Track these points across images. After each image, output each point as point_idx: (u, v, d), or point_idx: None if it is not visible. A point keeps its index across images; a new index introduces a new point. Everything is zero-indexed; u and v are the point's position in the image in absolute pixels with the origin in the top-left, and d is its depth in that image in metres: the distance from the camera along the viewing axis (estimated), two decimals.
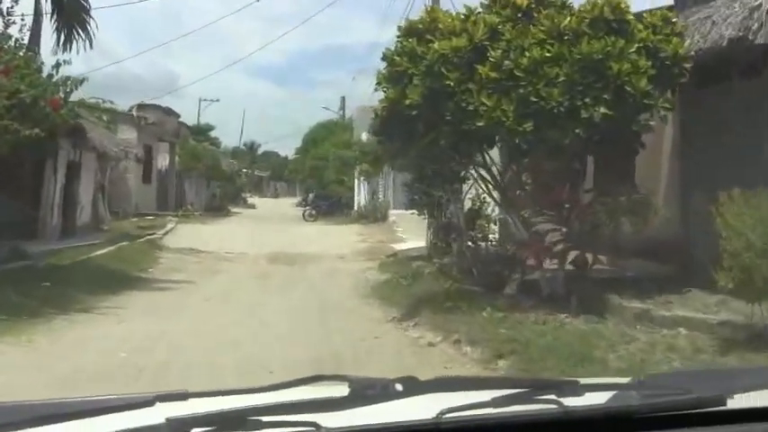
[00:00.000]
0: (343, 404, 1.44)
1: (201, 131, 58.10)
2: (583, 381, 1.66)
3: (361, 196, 32.33)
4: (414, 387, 1.52)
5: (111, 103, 29.33)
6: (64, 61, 11.89)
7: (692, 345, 6.99)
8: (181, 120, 34.04)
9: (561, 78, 7.87)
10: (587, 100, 7.82)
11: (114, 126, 27.42)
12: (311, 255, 19.18)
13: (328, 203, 36.81)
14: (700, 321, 7.46)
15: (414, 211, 16.44)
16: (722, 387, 1.58)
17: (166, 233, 23.05)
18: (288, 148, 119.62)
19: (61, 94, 11.53)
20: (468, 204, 13.85)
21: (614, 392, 1.60)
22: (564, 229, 8.09)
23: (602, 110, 7.77)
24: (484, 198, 12.70)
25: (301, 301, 11.74)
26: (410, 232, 22.86)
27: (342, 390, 1.51)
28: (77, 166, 21.02)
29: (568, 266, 9.05)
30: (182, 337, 8.23)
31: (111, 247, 16.63)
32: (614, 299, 8.48)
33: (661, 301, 8.33)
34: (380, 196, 28.76)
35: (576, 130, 7.88)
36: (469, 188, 13.67)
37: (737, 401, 1.54)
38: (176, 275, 14.51)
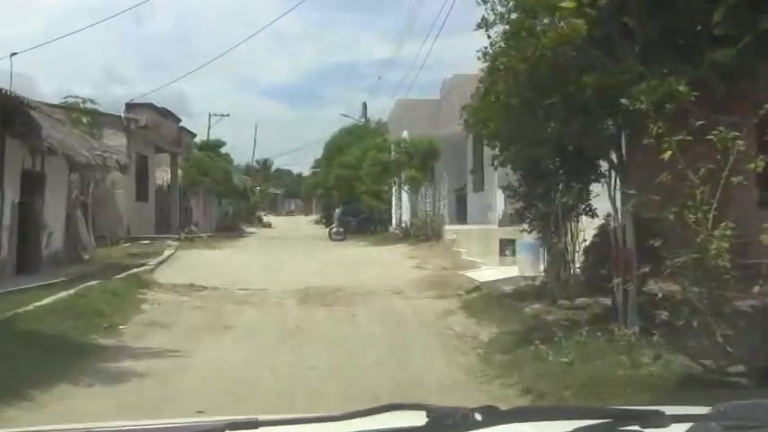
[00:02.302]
0: None
1: (211, 147, 53.04)
2: (667, 410, 1.61)
3: (402, 210, 26.92)
4: (494, 417, 1.49)
5: (93, 102, 24.38)
6: None
7: None
8: (182, 125, 28.74)
9: None
10: None
11: (98, 130, 22.25)
12: (355, 289, 13.84)
13: (358, 220, 31.38)
14: None
15: (523, 227, 10.99)
16: None
17: (161, 262, 17.70)
18: (301, 165, 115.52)
19: None
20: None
21: (696, 423, 1.59)
22: None
23: None
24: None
25: (373, 395, 6.27)
26: (480, 254, 17.51)
27: (420, 419, 1.47)
28: (39, 177, 15.77)
29: None
30: None
31: (71, 291, 11.25)
32: None
33: None
34: (429, 208, 23.38)
35: None
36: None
37: None
38: (159, 338, 9.13)
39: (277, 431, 1.53)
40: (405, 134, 24.11)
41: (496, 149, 10.68)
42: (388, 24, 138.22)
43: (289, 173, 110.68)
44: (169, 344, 8.66)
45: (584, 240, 10.07)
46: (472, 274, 14.80)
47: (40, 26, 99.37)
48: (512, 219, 10.79)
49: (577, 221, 9.99)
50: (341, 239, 29.86)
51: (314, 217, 74.84)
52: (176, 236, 23.14)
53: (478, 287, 12.86)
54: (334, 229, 31.09)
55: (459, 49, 63.19)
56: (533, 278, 12.63)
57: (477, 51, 8.15)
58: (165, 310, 11.53)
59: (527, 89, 7.45)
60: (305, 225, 57.67)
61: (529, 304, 10.28)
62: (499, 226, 20.56)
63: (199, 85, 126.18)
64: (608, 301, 9.34)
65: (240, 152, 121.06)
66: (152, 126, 23.92)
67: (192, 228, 23.54)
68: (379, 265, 17.81)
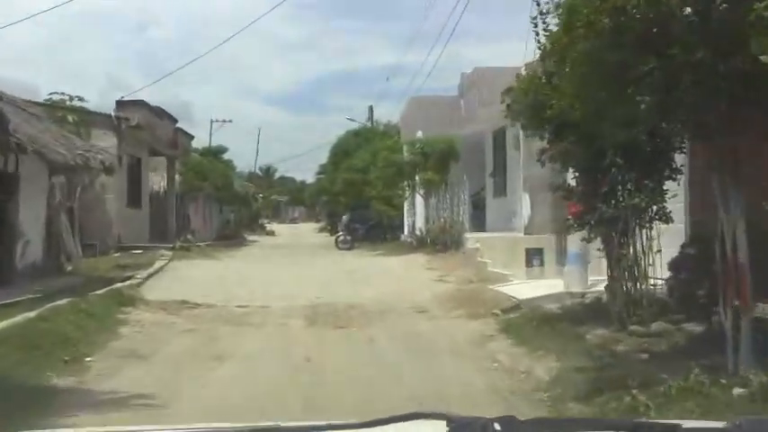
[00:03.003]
0: None
1: (213, 153, 51.47)
2: (684, 424, 1.57)
3: (416, 216, 24.99)
4: (513, 427, 1.47)
5: (81, 99, 22.57)
6: None
7: None
8: (179, 126, 26.88)
9: None
10: None
11: (86, 130, 20.46)
12: (371, 306, 12.04)
13: (367, 227, 29.48)
14: None
15: (583, 235, 9.08)
16: None
17: (151, 275, 15.86)
18: (304, 173, 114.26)
19: None
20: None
21: None
22: None
23: None
24: None
25: None
26: (505, 265, 15.66)
27: (440, 427, 1.46)
28: (12, 179, 13.96)
29: None
30: None
31: (31, 313, 9.36)
32: None
33: None
34: (445, 214, 21.47)
35: None
36: None
37: None
38: (135, 375, 7.27)
39: None
40: (419, 134, 22.26)
41: (545, 141, 8.87)
42: (391, 32, 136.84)
43: (292, 180, 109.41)
44: (146, 383, 6.80)
45: (659, 250, 8.22)
46: (504, 288, 12.93)
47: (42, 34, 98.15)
48: (568, 226, 8.87)
49: (650, 227, 8.11)
50: (348, 248, 28.05)
51: (318, 224, 73.09)
52: (171, 245, 21.28)
53: (518, 305, 10.98)
54: (341, 237, 29.23)
55: (463, 55, 61.11)
56: (582, 295, 10.81)
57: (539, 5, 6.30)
58: (149, 334, 9.67)
59: (613, 52, 5.60)
60: (309, 233, 55.94)
61: (590, 329, 8.41)
62: (525, 234, 18.72)
63: (201, 93, 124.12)
64: (697, 328, 7.51)
65: (243, 160, 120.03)
66: (145, 126, 22.09)
67: (189, 236, 21.64)
68: (396, 277, 15.96)
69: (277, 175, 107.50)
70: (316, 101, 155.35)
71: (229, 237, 37.78)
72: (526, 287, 12.76)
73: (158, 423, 5.46)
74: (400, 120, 27.80)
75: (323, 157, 54.63)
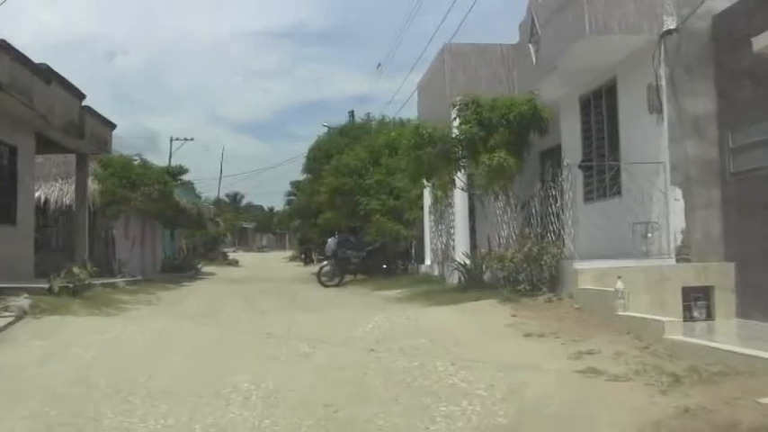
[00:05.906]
0: None
1: (172, 174, 43.12)
2: None
3: (457, 232, 15.83)
4: None
5: None
6: None
7: None
8: (88, 105, 17.94)
9: None
10: None
11: None
12: None
13: (363, 253, 20.90)
14: None
15: None
16: None
17: None
18: (272, 200, 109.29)
19: None
20: None
21: None
22: None
23: None
24: None
25: None
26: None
27: None
28: None
29: None
30: None
31: None
32: None
33: None
34: (508, 229, 12.68)
35: None
36: None
37: None
38: None
39: None
40: (457, 99, 13.85)
41: None
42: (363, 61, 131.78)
43: (260, 208, 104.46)
44: None
45: None
46: None
47: None
48: None
49: None
50: (336, 284, 19.65)
51: (289, 253, 66.23)
52: (47, 285, 12.49)
53: None
54: (327, 268, 20.70)
55: None
56: None
57: None
58: None
59: None
60: (279, 263, 47.98)
61: None
62: (678, 260, 10.55)
63: (169, 122, 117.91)
64: None
65: (208, 187, 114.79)
66: (13, 87, 13.35)
67: (78, 269, 12.95)
68: (484, 363, 7.16)
69: (244, 201, 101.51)
70: (285, 129, 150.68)
71: (176, 269, 29.40)
72: None
73: None
74: (419, 87, 18.96)
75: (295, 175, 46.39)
